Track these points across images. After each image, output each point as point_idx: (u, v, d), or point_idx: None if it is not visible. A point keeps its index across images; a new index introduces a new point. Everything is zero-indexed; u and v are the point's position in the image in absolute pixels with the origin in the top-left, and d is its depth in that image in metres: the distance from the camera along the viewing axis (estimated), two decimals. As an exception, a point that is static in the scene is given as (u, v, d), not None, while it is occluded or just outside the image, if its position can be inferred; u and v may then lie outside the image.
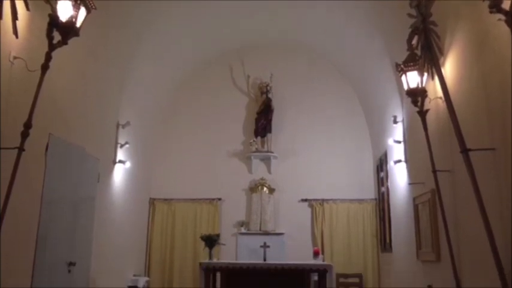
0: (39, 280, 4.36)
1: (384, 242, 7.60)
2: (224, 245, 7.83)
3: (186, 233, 8.41)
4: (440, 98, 4.27)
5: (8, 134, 3.68)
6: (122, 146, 6.77)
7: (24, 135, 3.50)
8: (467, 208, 3.84)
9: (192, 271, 8.10)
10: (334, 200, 8.41)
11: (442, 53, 4.31)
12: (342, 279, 7.95)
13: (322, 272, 6.52)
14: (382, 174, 7.78)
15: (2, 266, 3.73)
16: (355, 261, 8.10)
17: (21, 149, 3.49)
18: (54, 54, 3.62)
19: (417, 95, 4.46)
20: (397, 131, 6.40)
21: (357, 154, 8.61)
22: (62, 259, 4.89)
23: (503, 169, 3.20)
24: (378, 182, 8.10)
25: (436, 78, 4.10)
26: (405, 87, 4.56)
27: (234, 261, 7.55)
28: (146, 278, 7.77)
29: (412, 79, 4.48)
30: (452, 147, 4.03)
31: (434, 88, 4.50)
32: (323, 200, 8.42)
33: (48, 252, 4.57)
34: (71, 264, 5.01)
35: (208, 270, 6.66)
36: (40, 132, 4.33)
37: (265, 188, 8.57)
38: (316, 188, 8.50)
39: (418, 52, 4.42)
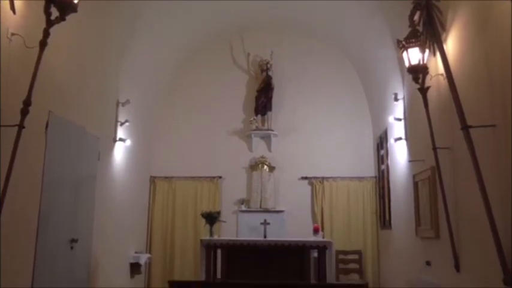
0: (42, 257, 4.41)
1: (384, 219, 7.66)
2: (225, 222, 7.89)
3: (187, 210, 8.47)
4: (442, 74, 4.24)
5: (8, 111, 3.68)
6: (122, 124, 6.76)
7: (24, 112, 3.50)
8: (466, 185, 3.86)
9: (193, 248, 8.18)
10: (334, 178, 8.44)
11: (444, 28, 4.27)
12: (341, 256, 8.04)
13: (322, 248, 6.59)
14: (382, 152, 7.79)
15: (5, 244, 3.77)
16: (354, 238, 8.17)
17: (21, 127, 3.50)
18: (52, 32, 3.58)
19: (418, 72, 4.43)
20: (398, 109, 6.38)
21: (357, 132, 8.61)
22: (64, 236, 4.94)
23: (504, 146, 3.20)
24: (378, 160, 8.12)
25: (438, 54, 4.07)
26: (406, 64, 4.52)
27: (234, 238, 7.62)
28: (148, 255, 7.87)
29: (413, 56, 4.43)
30: (452, 124, 4.02)
31: (436, 65, 4.46)
32: (323, 178, 8.45)
33: (51, 230, 4.61)
34: (73, 241, 5.06)
35: (209, 247, 6.73)
36: (40, 110, 4.32)
37: (265, 166, 8.59)
38: (316, 166, 8.52)
39: (420, 28, 4.37)
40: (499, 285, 3.21)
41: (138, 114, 7.60)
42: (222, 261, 6.78)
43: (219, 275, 6.88)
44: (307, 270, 6.59)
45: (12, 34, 3.80)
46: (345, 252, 8.08)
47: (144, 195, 8.39)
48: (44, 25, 3.52)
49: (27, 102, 3.51)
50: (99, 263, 5.95)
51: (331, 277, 6.57)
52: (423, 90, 4.46)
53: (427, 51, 4.42)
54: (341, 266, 8.01)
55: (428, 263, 5.03)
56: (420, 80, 4.46)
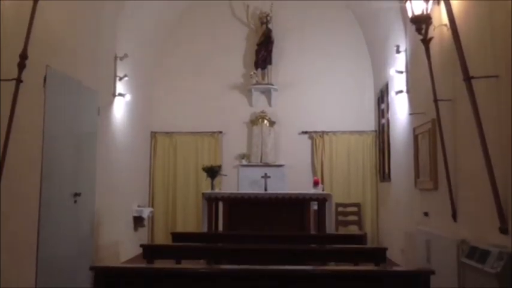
0: (46, 211, 4.48)
1: (383, 172, 7.73)
2: (226, 175, 7.97)
3: (188, 165, 8.55)
4: (445, 25, 4.17)
5: (5, 66, 3.64)
6: (120, 78, 6.69)
7: (21, 66, 3.47)
8: (467, 137, 3.87)
9: (195, 201, 8.30)
10: (334, 132, 8.46)
11: (450, -24, 4.14)
12: (341, 209, 8.18)
13: (322, 201, 6.68)
14: (382, 105, 7.76)
15: (9, 199, 3.81)
16: (354, 191, 8.28)
17: (18, 81, 3.48)
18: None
19: (421, 22, 4.34)
20: (399, 61, 6.31)
21: (358, 86, 8.54)
22: (67, 190, 5.00)
23: (505, 97, 3.18)
24: (379, 114, 8.10)
25: (442, 3, 3.97)
26: (409, 14, 4.42)
27: (235, 191, 7.70)
28: (150, 209, 8.00)
29: (416, 5, 4.33)
30: (455, 76, 3.99)
31: (440, 15, 4.37)
32: (323, 132, 8.46)
33: (54, 184, 4.66)
34: (76, 195, 5.13)
35: (211, 200, 6.82)
36: (37, 65, 4.27)
37: (265, 121, 8.58)
38: (316, 120, 8.52)
39: (425, -24, 4.25)
40: (496, 234, 3.29)
41: (136, 69, 7.51)
42: (223, 214, 6.89)
43: (220, 228, 7.02)
44: (307, 222, 6.71)
45: (5, -15, 3.70)
46: (345, 205, 8.21)
47: (145, 151, 8.44)
48: (37, -25, 3.42)
49: (23, 56, 3.48)
50: (103, 217, 6.06)
51: (330, 228, 6.69)
52: (426, 41, 4.39)
53: (431, 0, 4.31)
54: (340, 218, 8.16)
55: (426, 214, 5.13)
56: (423, 31, 4.38)
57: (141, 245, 4.64)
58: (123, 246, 6.80)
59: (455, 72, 3.94)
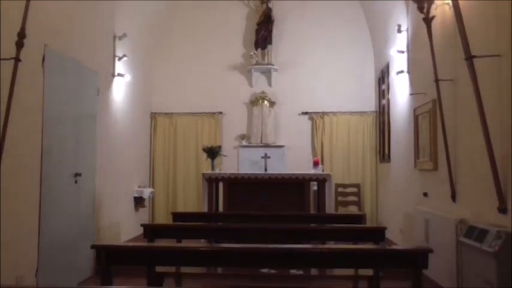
0: (47, 191, 4.50)
1: (383, 153, 7.74)
2: (226, 156, 7.98)
3: (188, 145, 8.56)
4: (448, 3, 4.12)
5: (4, 46, 3.61)
6: (120, 58, 6.63)
7: (19, 45, 3.45)
8: (467, 117, 3.86)
9: (195, 182, 8.34)
10: (334, 113, 8.43)
11: (452, -46, 4.08)
12: (340, 189, 8.21)
13: (322, 181, 6.71)
14: (383, 86, 7.73)
15: (8, 180, 3.82)
16: (354, 172, 8.30)
17: (17, 60, 3.46)
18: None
19: (423, 1, 4.30)
20: (401, 41, 6.25)
21: (358, 66, 8.49)
22: (68, 170, 5.01)
23: (506, 76, 3.16)
24: (379, 94, 8.08)
25: (445, -19, 3.92)
26: (411, -8, 4.38)
27: (236, 172, 7.72)
28: (151, 189, 8.03)
29: (419, -16, 4.28)
30: (456, 56, 3.96)
31: (442, -7, 4.32)
32: (323, 112, 8.44)
33: (54, 164, 4.66)
34: (77, 175, 5.14)
35: (211, 180, 6.85)
36: (35, 44, 4.23)
37: (265, 101, 8.55)
38: (316, 101, 8.49)
39: (427, -47, 4.19)
40: (494, 214, 3.31)
41: (136, 49, 7.45)
42: (223, 194, 6.92)
43: (221, 208, 7.06)
44: (306, 202, 6.74)
45: (1, -37, 3.65)
46: (344, 186, 8.24)
47: (146, 131, 8.43)
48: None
49: (21, 35, 3.45)
50: (104, 197, 6.08)
51: (330, 209, 6.73)
52: (428, 20, 4.35)
53: (433, -22, 4.26)
54: (340, 198, 8.20)
55: (425, 194, 5.15)
56: (425, 10, 4.34)
57: (142, 225, 4.66)
58: (124, 226, 6.83)
59: (456, 52, 3.91)
